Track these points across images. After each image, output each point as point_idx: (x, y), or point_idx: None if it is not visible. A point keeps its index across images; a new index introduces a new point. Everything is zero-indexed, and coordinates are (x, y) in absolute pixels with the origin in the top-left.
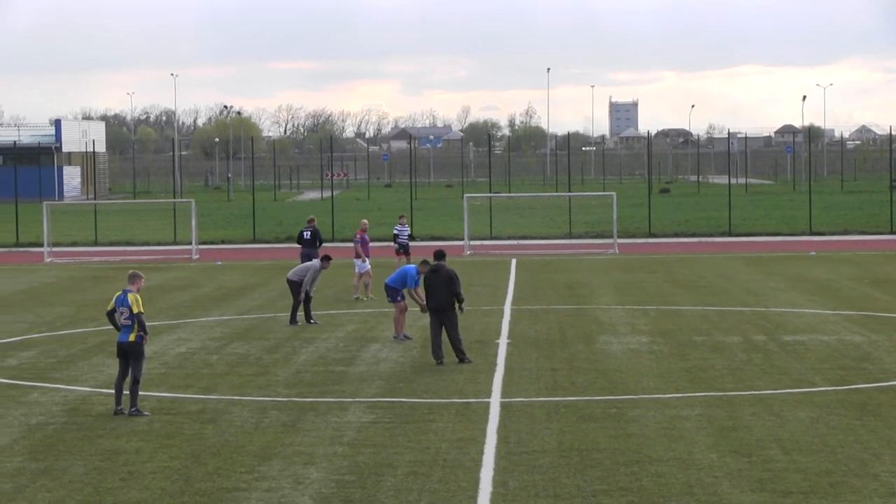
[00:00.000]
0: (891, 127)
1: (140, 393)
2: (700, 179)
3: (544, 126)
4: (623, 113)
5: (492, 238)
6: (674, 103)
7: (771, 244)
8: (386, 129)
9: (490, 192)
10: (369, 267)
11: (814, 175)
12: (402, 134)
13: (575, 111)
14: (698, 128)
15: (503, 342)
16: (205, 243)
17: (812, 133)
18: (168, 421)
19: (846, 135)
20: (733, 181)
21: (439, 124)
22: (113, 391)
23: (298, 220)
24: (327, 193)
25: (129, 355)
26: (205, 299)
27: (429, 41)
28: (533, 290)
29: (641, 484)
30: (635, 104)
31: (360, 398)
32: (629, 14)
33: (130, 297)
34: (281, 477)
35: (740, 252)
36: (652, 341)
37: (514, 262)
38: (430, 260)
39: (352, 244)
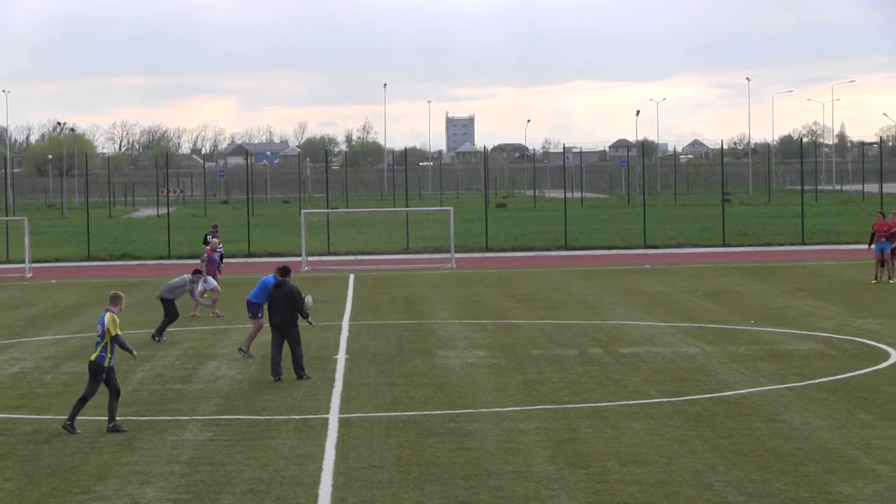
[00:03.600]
0: (721, 141)
1: None
2: (536, 194)
3: (381, 141)
4: (460, 128)
5: (330, 254)
6: (510, 118)
7: (606, 258)
8: (222, 146)
9: (328, 208)
10: (216, 284)
11: (648, 189)
12: (239, 150)
13: (412, 126)
14: (534, 142)
15: (341, 358)
16: (38, 262)
17: (646, 147)
18: (1, 442)
19: (679, 149)
20: (569, 195)
21: (276, 140)
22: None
23: (133, 237)
24: (163, 210)
25: (89, 373)
26: (39, 318)
27: (266, 57)
28: (371, 305)
29: (480, 497)
30: (472, 119)
31: (197, 416)
32: (465, 30)
33: (108, 316)
34: (117, 497)
35: (576, 266)
36: (490, 355)
37: (351, 277)
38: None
39: (199, 261)
